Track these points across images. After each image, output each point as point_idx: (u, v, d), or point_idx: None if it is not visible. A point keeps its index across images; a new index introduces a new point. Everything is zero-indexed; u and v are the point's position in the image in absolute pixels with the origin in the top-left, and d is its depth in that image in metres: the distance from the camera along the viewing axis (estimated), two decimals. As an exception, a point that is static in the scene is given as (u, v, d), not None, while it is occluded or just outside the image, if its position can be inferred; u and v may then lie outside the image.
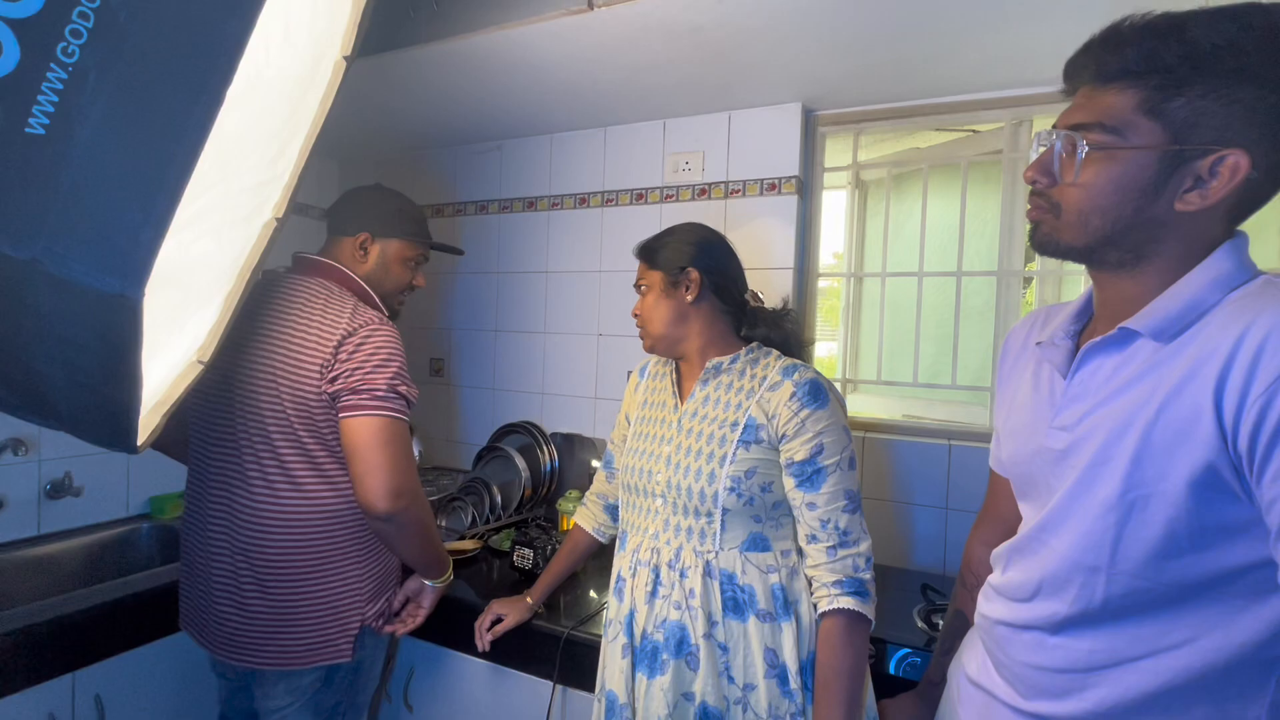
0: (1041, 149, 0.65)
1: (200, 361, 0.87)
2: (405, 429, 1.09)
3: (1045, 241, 0.65)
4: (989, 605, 0.74)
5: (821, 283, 1.75)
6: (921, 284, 1.62)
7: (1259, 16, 0.55)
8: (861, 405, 1.79)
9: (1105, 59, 0.60)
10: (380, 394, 1.05)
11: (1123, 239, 0.61)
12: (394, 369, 1.08)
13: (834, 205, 1.80)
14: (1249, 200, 0.59)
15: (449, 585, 1.26)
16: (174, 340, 0.69)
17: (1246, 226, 0.63)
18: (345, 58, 0.94)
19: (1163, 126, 0.57)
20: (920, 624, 1.20)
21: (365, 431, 1.03)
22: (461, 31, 1.32)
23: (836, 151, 1.73)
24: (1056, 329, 0.71)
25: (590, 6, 1.20)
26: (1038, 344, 0.73)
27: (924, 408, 1.73)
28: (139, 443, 0.61)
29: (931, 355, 1.69)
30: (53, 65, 0.37)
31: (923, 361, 1.65)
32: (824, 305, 1.89)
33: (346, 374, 1.05)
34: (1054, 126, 0.64)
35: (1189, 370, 0.56)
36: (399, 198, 1.31)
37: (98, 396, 0.53)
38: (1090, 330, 0.70)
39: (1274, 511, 0.51)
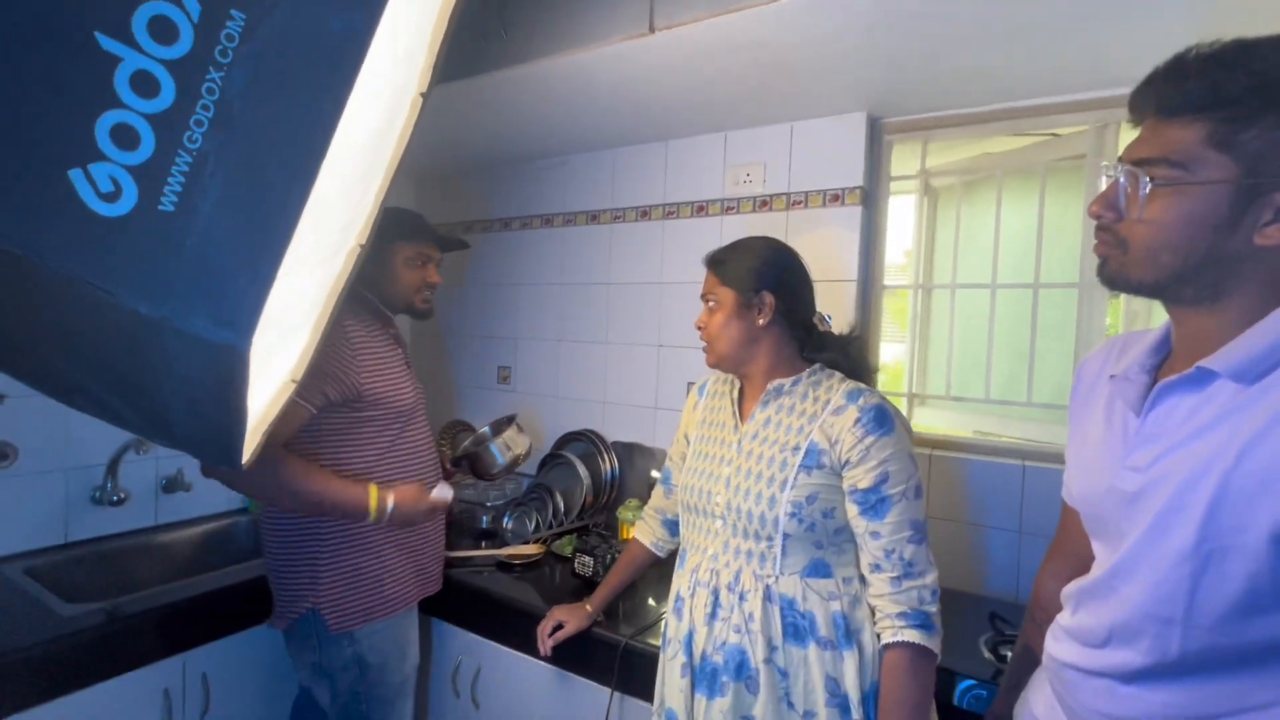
0: (1107, 180, 0.62)
1: (293, 380, 0.94)
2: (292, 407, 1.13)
3: (1114, 277, 0.63)
4: (1058, 646, 0.72)
5: (889, 280, 1.70)
6: (995, 295, 1.56)
7: None
8: (929, 420, 1.74)
9: (1169, 92, 0.58)
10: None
11: (1197, 275, 0.58)
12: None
13: (901, 211, 1.75)
14: None
15: (388, 519, 1.24)
16: (270, 370, 0.76)
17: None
18: (422, 94, 1.00)
19: (1234, 159, 0.55)
20: (987, 654, 1.15)
21: None
22: (528, 58, 1.38)
23: (903, 159, 1.68)
24: (1132, 363, 0.68)
25: (651, 30, 1.22)
26: (1111, 377, 0.70)
27: (997, 424, 1.65)
28: (244, 460, 0.68)
29: (1005, 371, 1.62)
30: (180, 151, 0.42)
31: (997, 377, 1.58)
32: (891, 307, 1.84)
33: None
34: (1119, 159, 0.62)
35: (1272, 416, 0.53)
36: (392, 212, 1.36)
37: (211, 424, 0.60)
38: (1168, 366, 0.66)
39: None
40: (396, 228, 1.35)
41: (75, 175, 0.41)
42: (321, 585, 1.24)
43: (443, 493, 1.33)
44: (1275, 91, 0.53)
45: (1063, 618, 0.73)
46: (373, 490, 1.23)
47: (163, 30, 0.40)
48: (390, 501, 1.24)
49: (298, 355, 0.93)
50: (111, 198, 0.42)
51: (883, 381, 1.83)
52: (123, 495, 1.63)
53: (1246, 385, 0.56)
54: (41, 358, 0.58)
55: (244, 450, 0.73)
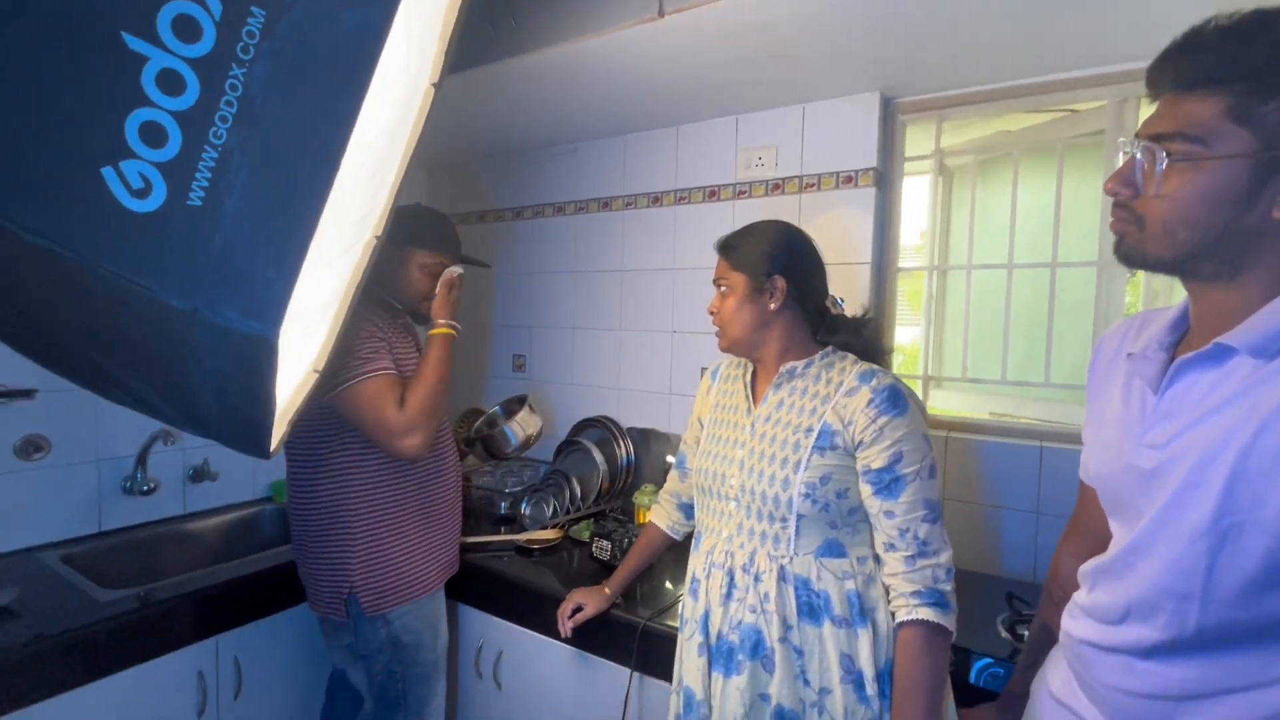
0: (1124, 157, 0.61)
1: (315, 370, 0.96)
2: (367, 385, 1.21)
3: (1131, 254, 0.63)
4: (1074, 624, 0.72)
5: (904, 262, 1.69)
6: (1011, 276, 1.54)
7: None
8: (945, 402, 1.73)
9: (1186, 65, 0.57)
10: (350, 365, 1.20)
11: (1215, 251, 0.58)
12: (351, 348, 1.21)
13: (916, 192, 1.73)
14: None
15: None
16: (294, 361, 0.78)
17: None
18: (434, 84, 1.01)
19: (1252, 133, 0.54)
20: (1004, 633, 1.16)
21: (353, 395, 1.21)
22: (539, 46, 1.38)
23: (918, 139, 1.66)
24: (1150, 340, 0.68)
25: (660, 14, 1.22)
26: (1129, 355, 0.69)
27: (1014, 405, 1.64)
28: (272, 448, 0.70)
29: (1022, 351, 1.60)
30: (206, 147, 0.44)
31: (1013, 358, 1.57)
32: (906, 290, 1.83)
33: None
34: (1136, 135, 0.61)
35: None
36: (422, 214, 1.39)
37: (240, 414, 0.62)
38: (1186, 343, 0.66)
39: None
40: (421, 233, 1.36)
41: (108, 173, 0.43)
42: (355, 571, 1.28)
43: (450, 271, 1.38)
44: None
45: (1080, 596, 0.73)
46: (433, 333, 1.32)
47: (186, 29, 0.41)
48: (443, 320, 1.33)
49: (319, 346, 0.96)
50: (142, 194, 0.43)
51: (898, 363, 1.82)
52: (152, 485, 1.68)
53: (1266, 361, 0.56)
54: (78, 352, 0.60)
55: (273, 438, 0.75)
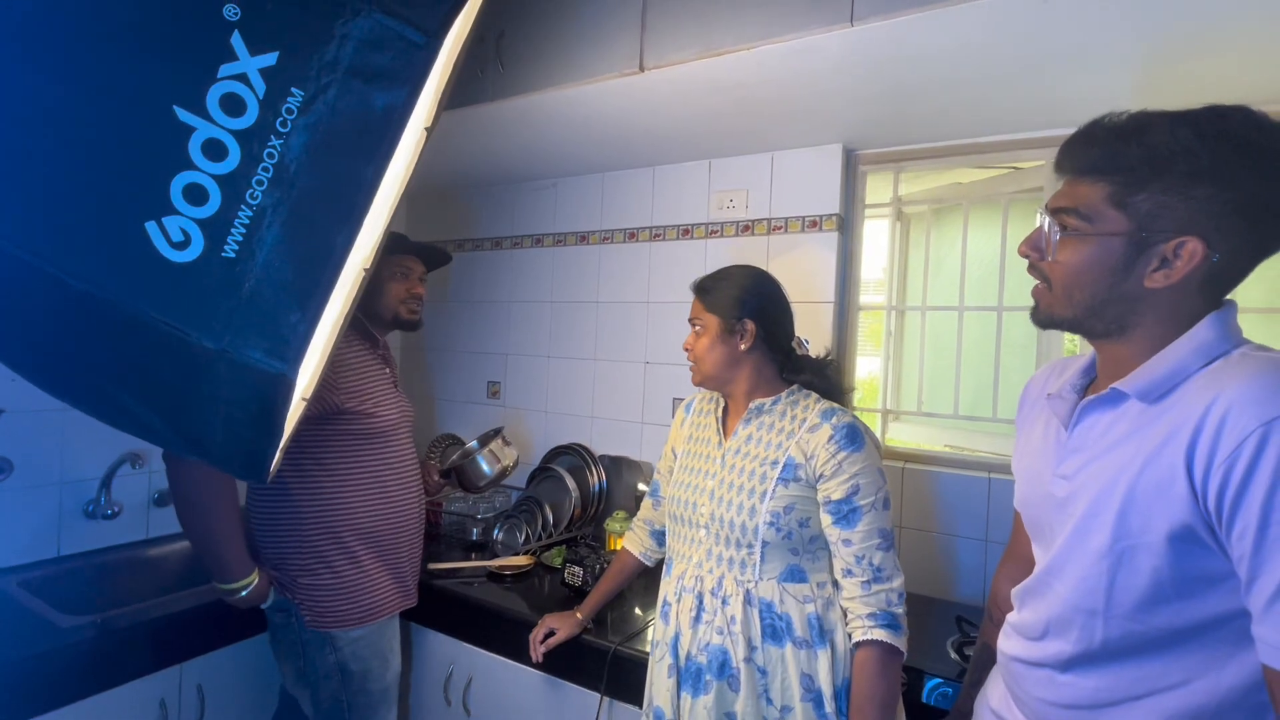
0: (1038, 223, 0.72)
1: (304, 399, 1.00)
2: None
3: (1042, 317, 0.73)
4: (1006, 642, 0.80)
5: (866, 298, 1.79)
6: (962, 318, 1.65)
7: (1212, 124, 0.61)
8: (903, 435, 1.83)
9: (1080, 154, 0.68)
10: None
11: (1104, 310, 0.68)
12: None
13: (876, 234, 1.85)
14: (1220, 277, 0.65)
15: (238, 598, 1.25)
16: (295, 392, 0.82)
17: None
18: (426, 129, 1.08)
19: (1128, 216, 0.65)
20: (954, 655, 1.23)
21: None
22: (524, 91, 1.45)
23: (878, 187, 1.78)
24: (1065, 383, 0.77)
25: (641, 69, 1.31)
26: (1049, 395, 0.79)
27: (966, 439, 1.75)
28: (270, 472, 0.74)
29: (973, 388, 1.71)
30: (242, 206, 0.49)
31: (965, 394, 1.67)
32: (867, 327, 1.94)
33: None
34: (1045, 207, 0.72)
35: (1168, 433, 0.62)
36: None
37: (246, 443, 0.65)
38: (1094, 387, 0.75)
39: (1243, 565, 0.56)
40: (385, 247, 1.41)
41: (150, 227, 0.47)
42: (301, 584, 1.29)
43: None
44: (1162, 164, 0.63)
45: (1011, 616, 0.81)
46: (256, 572, 1.27)
47: (232, 105, 0.47)
48: (254, 586, 1.26)
49: (310, 374, 0.99)
50: (181, 246, 0.48)
51: (859, 397, 1.92)
52: (116, 509, 1.65)
53: (1151, 404, 0.65)
54: (96, 385, 0.63)
55: (273, 464, 0.79)
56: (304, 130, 0.48)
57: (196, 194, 0.48)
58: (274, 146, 0.48)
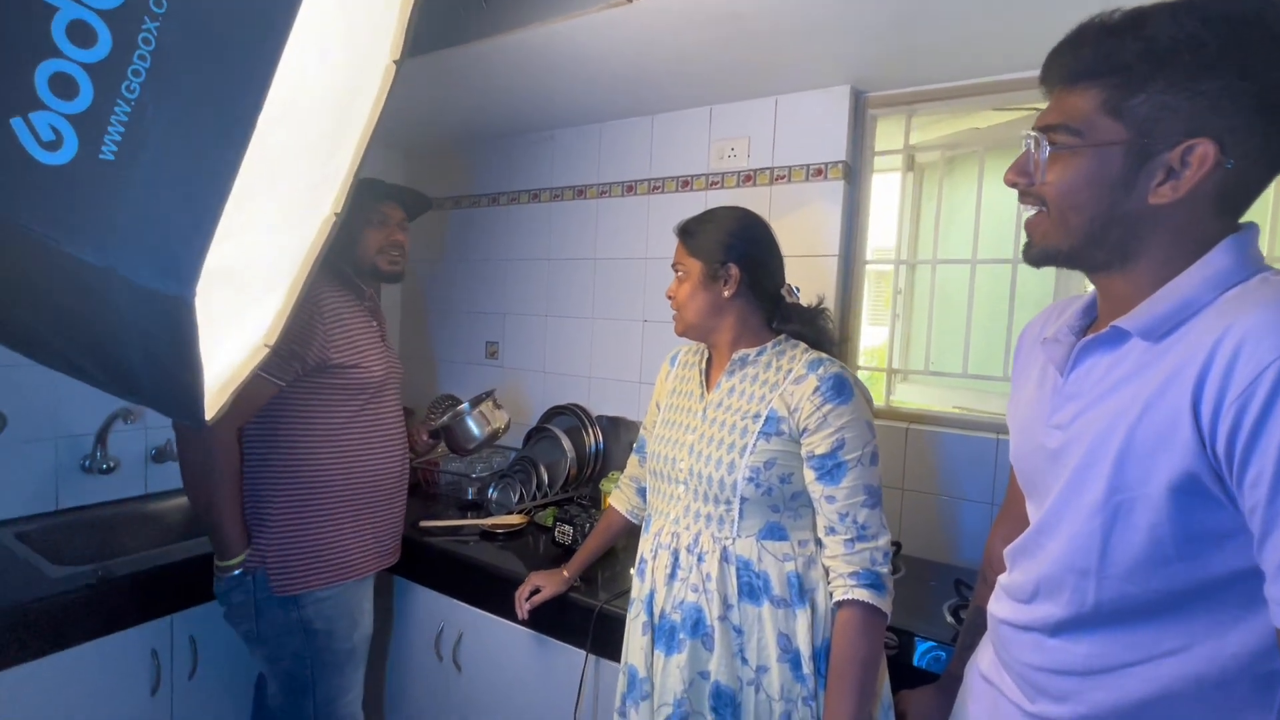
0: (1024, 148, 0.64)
1: (266, 345, 0.95)
2: (259, 382, 1.15)
3: (1038, 253, 0.65)
4: (996, 605, 0.74)
5: (875, 269, 1.71)
6: (974, 271, 1.56)
7: (1217, 6, 0.53)
8: (911, 396, 1.75)
9: (1069, 61, 0.60)
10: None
11: (1104, 236, 0.60)
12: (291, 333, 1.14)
13: (887, 189, 1.75)
14: (1236, 189, 0.57)
15: (233, 577, 1.24)
16: (237, 329, 0.78)
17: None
18: (395, 62, 1.01)
19: (1125, 124, 0.57)
20: (949, 619, 1.18)
21: None
22: (508, 28, 1.37)
23: (888, 134, 1.68)
24: (1062, 325, 0.70)
25: (629, -1, 1.22)
26: (1044, 340, 0.71)
27: (975, 399, 1.67)
28: (207, 417, 0.70)
29: (983, 347, 1.63)
30: (118, 101, 0.43)
31: (975, 352, 1.59)
32: (879, 292, 1.85)
33: None
34: (1033, 128, 0.64)
35: (1172, 372, 0.54)
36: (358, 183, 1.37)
37: (170, 378, 0.61)
38: (1095, 327, 0.68)
39: (1255, 517, 0.49)
40: (354, 192, 1.35)
41: (17, 124, 0.42)
42: (268, 544, 1.24)
43: None
44: (1163, 57, 0.54)
45: (1002, 577, 0.75)
46: (243, 555, 1.24)
47: (96, -20, 0.41)
48: (240, 566, 1.24)
49: (271, 318, 0.95)
50: (53, 146, 0.43)
51: (866, 359, 1.84)
52: (112, 464, 1.66)
53: (1154, 344, 0.58)
54: (9, 315, 0.59)
55: (208, 409, 0.75)
56: (183, 10, 0.42)
57: (66, 86, 0.42)
58: (149, 30, 0.42)
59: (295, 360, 1.21)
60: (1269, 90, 0.52)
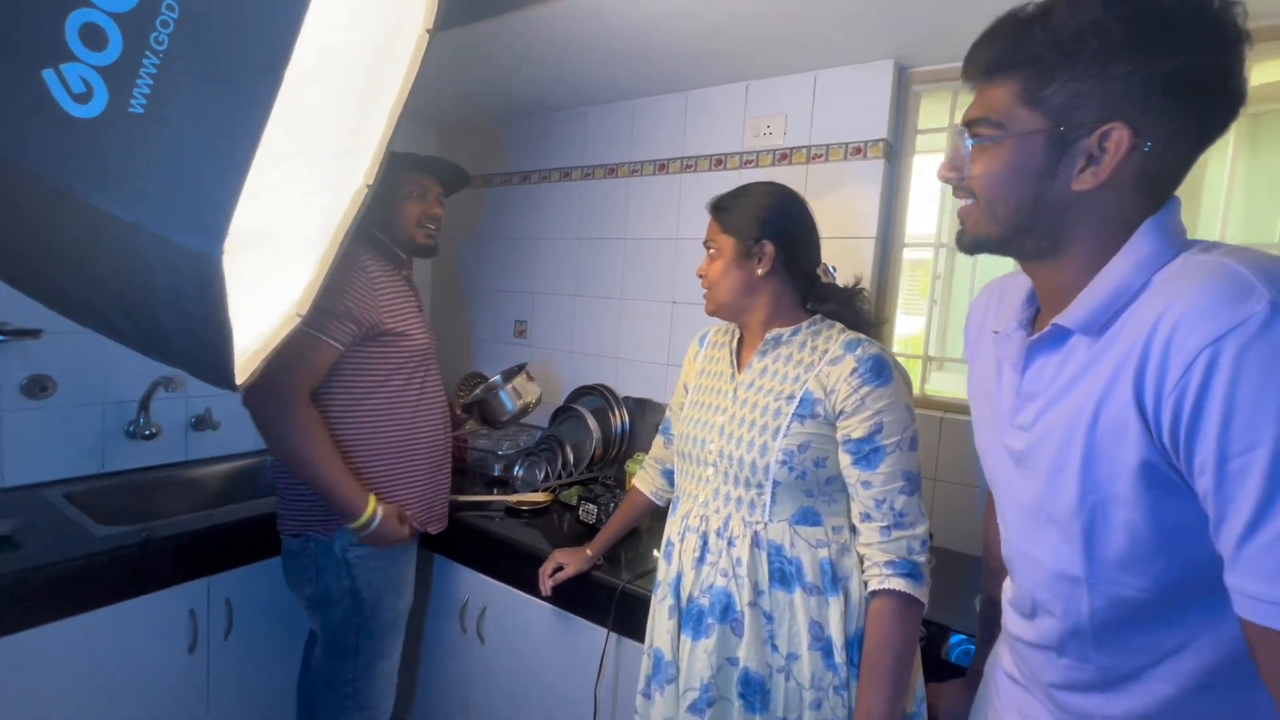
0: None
1: (299, 315, 0.96)
2: (309, 341, 1.16)
3: (969, 241, 0.65)
4: (1008, 619, 0.75)
5: (914, 254, 1.65)
6: (1021, 256, 1.50)
7: None
8: (947, 385, 1.70)
9: (985, 54, 0.59)
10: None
11: (1031, 224, 0.60)
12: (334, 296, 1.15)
13: (929, 170, 1.68)
14: (1158, 172, 0.55)
15: (369, 534, 1.25)
16: (268, 295, 0.78)
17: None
18: (429, 30, 0.99)
19: (1042, 114, 0.57)
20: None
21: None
22: (539, 0, 1.35)
23: (932, 112, 1.61)
24: (1010, 319, 0.69)
25: (667, -34, 1.18)
26: (995, 333, 0.70)
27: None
28: (238, 383, 0.70)
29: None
30: (147, 53, 0.43)
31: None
32: (913, 281, 1.79)
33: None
34: (960, 123, 0.63)
35: (1116, 367, 0.53)
36: (394, 155, 1.33)
37: (200, 340, 0.61)
38: (1040, 320, 0.66)
39: (1208, 503, 0.49)
40: (393, 164, 1.35)
41: (49, 75, 0.42)
42: (325, 514, 1.28)
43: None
44: (1070, 45, 0.54)
45: (1006, 584, 0.75)
46: (373, 499, 1.25)
47: (126, -74, 0.40)
48: (379, 516, 1.25)
49: (303, 288, 0.95)
50: (83, 99, 0.43)
51: (901, 347, 1.79)
52: (155, 430, 1.71)
53: (1096, 338, 0.57)
54: (46, 273, 0.60)
55: (239, 374, 0.76)
56: (210, -41, 0.41)
57: (95, 36, 0.42)
58: (177, -20, 0.41)
59: (349, 320, 1.22)
60: (1176, 72, 0.52)
